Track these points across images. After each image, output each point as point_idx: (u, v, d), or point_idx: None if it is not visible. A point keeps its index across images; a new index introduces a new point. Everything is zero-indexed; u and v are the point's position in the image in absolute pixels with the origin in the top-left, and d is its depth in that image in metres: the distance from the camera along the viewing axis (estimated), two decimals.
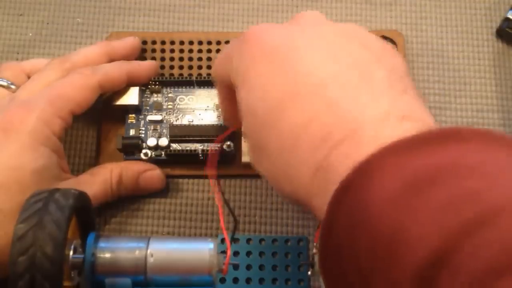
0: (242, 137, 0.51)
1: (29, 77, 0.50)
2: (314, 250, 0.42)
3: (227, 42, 0.56)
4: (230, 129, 0.50)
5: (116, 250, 0.40)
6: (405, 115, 0.32)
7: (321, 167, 0.33)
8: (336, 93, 0.34)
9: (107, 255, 0.39)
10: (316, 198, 0.33)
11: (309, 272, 0.43)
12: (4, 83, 0.50)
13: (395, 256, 0.26)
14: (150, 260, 0.40)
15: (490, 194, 0.26)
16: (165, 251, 0.40)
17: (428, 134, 0.30)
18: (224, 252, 0.41)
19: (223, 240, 0.41)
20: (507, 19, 0.56)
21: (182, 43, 0.56)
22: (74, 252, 0.39)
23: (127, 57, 0.53)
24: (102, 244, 0.40)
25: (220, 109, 0.52)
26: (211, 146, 0.51)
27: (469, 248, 0.24)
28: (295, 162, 0.34)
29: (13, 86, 0.50)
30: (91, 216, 0.42)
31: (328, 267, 0.31)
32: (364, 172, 0.30)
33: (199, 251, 0.40)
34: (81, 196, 0.40)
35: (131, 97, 0.52)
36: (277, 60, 0.36)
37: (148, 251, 0.40)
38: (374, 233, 0.28)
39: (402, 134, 0.30)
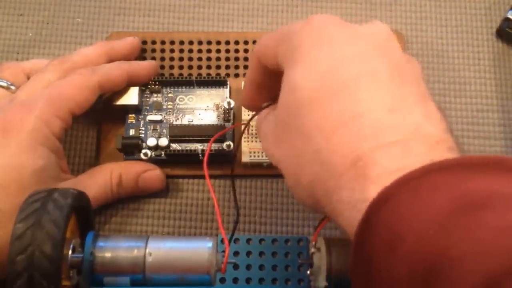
0: (242, 137, 0.51)
1: (28, 78, 0.50)
2: (312, 250, 0.42)
3: (227, 42, 0.56)
4: (226, 129, 0.51)
5: (114, 249, 0.40)
6: (450, 146, 0.32)
7: (362, 161, 0.32)
8: (394, 100, 0.34)
9: (106, 254, 0.40)
10: (347, 190, 0.32)
11: (308, 272, 0.43)
12: (4, 84, 0.50)
13: (444, 276, 0.26)
14: (149, 259, 0.40)
15: None
16: (163, 250, 0.40)
17: (475, 159, 0.30)
18: (223, 251, 0.41)
19: (223, 240, 0.41)
20: (507, 19, 0.56)
21: (182, 43, 0.56)
22: (73, 251, 0.39)
23: (127, 57, 0.53)
24: (100, 243, 0.40)
25: (219, 109, 0.52)
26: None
27: None
28: (329, 149, 0.33)
29: (13, 87, 0.50)
30: (90, 216, 0.42)
31: (358, 272, 0.31)
32: (409, 185, 0.29)
33: (198, 250, 0.40)
34: (80, 196, 0.40)
35: (131, 97, 0.52)
36: (338, 54, 0.36)
37: (147, 250, 0.40)
38: (415, 250, 0.27)
39: (447, 156, 0.30)
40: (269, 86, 0.43)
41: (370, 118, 0.33)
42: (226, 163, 0.52)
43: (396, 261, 0.28)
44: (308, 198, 0.36)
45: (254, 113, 0.45)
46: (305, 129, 0.35)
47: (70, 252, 0.38)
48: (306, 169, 0.35)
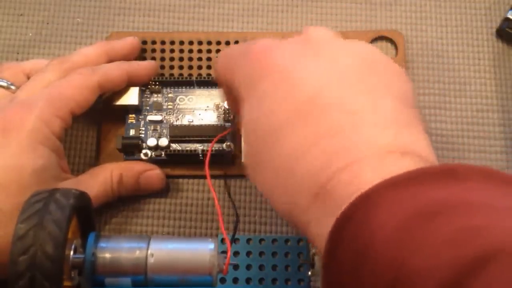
0: (242, 137, 0.51)
1: (28, 78, 0.50)
2: (313, 250, 0.42)
3: (227, 42, 0.56)
4: (228, 130, 0.51)
5: (116, 250, 0.40)
6: (406, 150, 0.32)
7: (321, 193, 0.32)
8: (341, 120, 0.33)
9: (107, 255, 0.40)
10: (314, 223, 0.33)
11: (309, 272, 0.43)
12: (4, 84, 0.49)
13: None
14: (151, 260, 0.40)
15: (492, 233, 0.26)
16: (165, 251, 0.40)
17: (429, 170, 0.30)
18: (224, 252, 0.41)
19: (223, 240, 0.41)
20: (507, 19, 0.56)
21: (182, 43, 0.56)
22: (75, 252, 0.39)
23: (126, 57, 0.53)
24: (102, 244, 0.40)
25: (219, 109, 0.52)
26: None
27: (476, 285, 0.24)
28: (293, 185, 0.34)
29: (13, 87, 0.50)
30: (91, 216, 0.42)
31: None
32: (367, 202, 0.29)
33: (200, 251, 0.40)
34: (82, 196, 0.40)
35: (131, 97, 0.52)
36: (284, 81, 0.36)
37: (149, 251, 0.40)
38: (377, 265, 0.27)
39: (403, 169, 0.30)
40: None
41: (319, 147, 0.33)
42: (226, 163, 0.52)
43: (363, 279, 0.28)
44: (291, 223, 0.36)
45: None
46: (268, 169, 0.36)
47: (71, 252, 0.38)
48: (278, 203, 0.36)
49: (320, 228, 0.32)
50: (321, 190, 0.32)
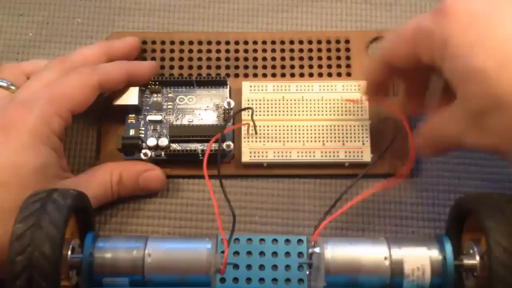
0: (242, 137, 0.51)
1: (28, 78, 0.50)
2: (311, 250, 0.42)
3: (227, 42, 0.56)
4: (226, 129, 0.51)
5: (114, 250, 0.40)
6: None
7: None
8: None
9: (105, 255, 0.40)
10: None
11: (307, 272, 0.43)
12: (4, 84, 0.50)
13: None
14: (148, 260, 0.40)
15: None
16: (162, 251, 0.40)
17: None
18: (223, 252, 0.41)
19: (223, 240, 0.41)
20: None
21: (182, 43, 0.56)
22: (72, 252, 0.39)
23: (126, 57, 0.53)
24: (100, 244, 0.40)
25: (219, 109, 0.52)
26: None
27: None
28: None
29: (13, 87, 0.50)
30: (90, 216, 0.42)
31: None
32: None
33: (197, 251, 0.40)
34: (80, 196, 0.40)
35: (131, 97, 0.52)
36: (487, 25, 0.37)
37: (146, 251, 0.40)
38: None
39: None
40: (387, 82, 0.47)
41: None
42: (226, 163, 0.52)
43: None
44: None
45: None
46: (502, 100, 0.36)
47: (69, 252, 0.38)
48: None
49: None
50: None
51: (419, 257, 0.40)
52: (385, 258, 0.40)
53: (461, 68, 0.37)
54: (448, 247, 0.39)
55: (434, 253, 0.40)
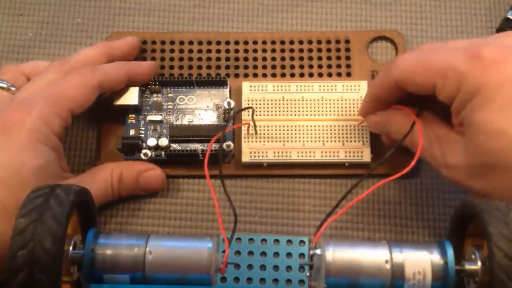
0: (242, 137, 0.51)
1: (28, 79, 0.50)
2: (311, 252, 0.41)
3: (227, 42, 0.56)
4: (227, 129, 0.51)
5: (115, 246, 0.40)
6: None
7: None
8: None
9: (106, 251, 0.40)
10: None
11: (308, 274, 0.43)
12: (4, 85, 0.50)
13: None
14: (149, 257, 0.40)
15: None
16: (163, 249, 0.40)
17: None
18: (224, 251, 0.41)
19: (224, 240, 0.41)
20: (507, 19, 0.56)
21: (182, 43, 0.56)
22: (74, 248, 0.39)
23: (126, 57, 0.53)
24: (101, 240, 0.40)
25: (219, 109, 0.52)
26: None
27: None
28: None
29: (13, 88, 0.50)
30: (92, 213, 0.42)
31: None
32: None
33: (198, 250, 0.40)
34: (82, 192, 0.40)
35: (131, 97, 0.52)
36: None
37: (147, 248, 0.40)
38: None
39: None
40: (388, 100, 0.47)
41: None
42: (226, 163, 0.52)
43: None
44: None
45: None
46: None
47: (71, 248, 0.38)
48: None
49: None
50: None
51: (420, 261, 0.39)
52: (386, 261, 0.39)
53: (486, 122, 0.39)
54: (450, 252, 0.39)
55: (435, 257, 0.39)
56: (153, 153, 0.51)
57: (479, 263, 0.38)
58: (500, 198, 0.38)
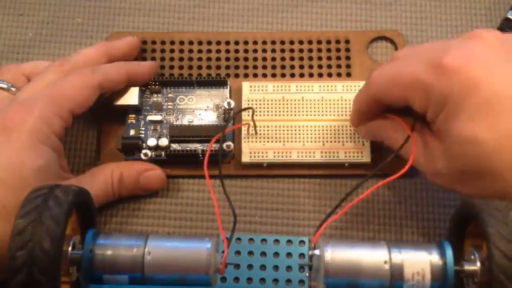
0: (242, 137, 0.51)
1: (29, 80, 0.51)
2: (310, 252, 0.41)
3: (227, 42, 0.56)
4: (227, 129, 0.51)
5: (114, 247, 0.40)
6: None
7: None
8: None
9: (105, 251, 0.40)
10: None
11: (307, 274, 0.43)
12: (5, 86, 0.50)
13: None
14: (148, 258, 0.40)
15: None
16: (162, 249, 0.40)
17: None
18: (223, 251, 0.41)
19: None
20: (507, 19, 0.56)
21: (182, 43, 0.56)
22: (73, 248, 0.39)
23: (126, 57, 0.53)
24: (100, 240, 0.40)
25: (219, 109, 0.52)
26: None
27: None
28: None
29: (13, 89, 0.50)
30: (92, 213, 0.42)
31: None
32: None
33: (197, 250, 0.40)
34: (81, 193, 0.40)
35: (131, 97, 0.52)
36: (489, 95, 0.38)
37: (146, 249, 0.40)
38: None
39: None
40: (374, 112, 0.47)
41: None
42: (226, 163, 0.52)
43: None
44: None
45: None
46: (495, 171, 0.38)
47: (70, 248, 0.38)
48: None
49: None
50: None
51: (419, 262, 0.39)
52: (385, 262, 0.39)
53: (459, 131, 0.39)
54: (449, 252, 0.39)
55: (434, 258, 0.40)
56: (153, 153, 0.51)
57: (478, 264, 0.38)
58: (492, 199, 0.38)
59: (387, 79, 0.43)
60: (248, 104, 0.52)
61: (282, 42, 0.56)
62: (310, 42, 0.56)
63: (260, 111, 0.52)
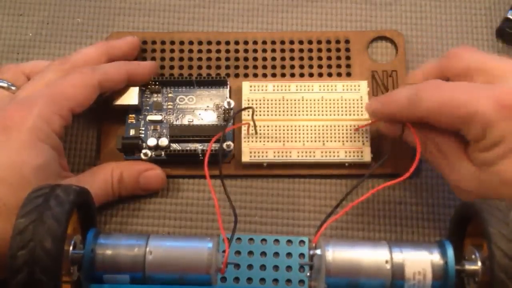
0: (242, 137, 0.51)
1: (29, 79, 0.50)
2: (311, 252, 0.41)
3: (227, 42, 0.56)
4: (227, 129, 0.51)
5: (115, 246, 0.40)
6: None
7: None
8: None
9: (106, 251, 0.40)
10: None
11: (308, 274, 0.43)
12: (5, 85, 0.50)
13: None
14: (149, 257, 0.40)
15: None
16: (164, 249, 0.40)
17: None
18: (224, 251, 0.41)
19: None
20: (507, 19, 0.56)
21: (182, 43, 0.56)
22: (74, 248, 0.39)
23: (126, 57, 0.53)
24: (101, 240, 0.40)
25: (219, 109, 0.52)
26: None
27: None
28: None
29: (13, 88, 0.50)
30: (92, 213, 0.42)
31: None
32: None
33: (198, 250, 0.40)
34: (82, 192, 0.40)
35: (131, 97, 0.52)
36: None
37: (147, 248, 0.40)
38: None
39: None
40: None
41: None
42: (226, 163, 0.52)
43: None
44: None
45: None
46: None
47: (71, 248, 0.38)
48: None
49: None
50: None
51: (420, 261, 0.39)
52: (386, 262, 0.39)
53: (504, 170, 0.41)
54: (450, 252, 0.39)
55: (435, 257, 0.39)
56: (153, 153, 0.51)
57: (479, 263, 0.38)
58: None
59: (442, 105, 0.43)
60: (248, 104, 0.52)
61: (282, 42, 0.56)
62: (310, 42, 0.56)
63: (260, 111, 0.52)
